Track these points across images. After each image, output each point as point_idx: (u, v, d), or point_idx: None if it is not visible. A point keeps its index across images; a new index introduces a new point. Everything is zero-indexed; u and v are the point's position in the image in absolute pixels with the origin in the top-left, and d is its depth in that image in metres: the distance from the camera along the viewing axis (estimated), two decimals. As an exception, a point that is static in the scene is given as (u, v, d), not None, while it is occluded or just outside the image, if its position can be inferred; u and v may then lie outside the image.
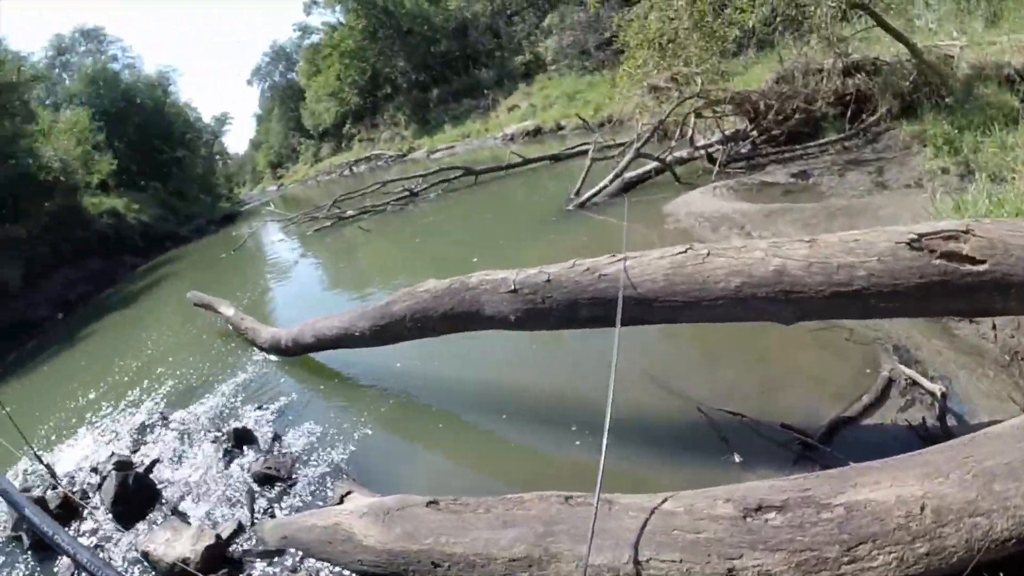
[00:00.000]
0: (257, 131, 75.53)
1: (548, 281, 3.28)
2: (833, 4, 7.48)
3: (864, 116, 8.32)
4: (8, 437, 5.92)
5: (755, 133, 9.19)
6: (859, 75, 8.39)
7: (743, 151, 9.10)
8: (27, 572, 4.22)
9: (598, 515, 2.06)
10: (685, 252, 2.82)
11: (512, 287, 3.45)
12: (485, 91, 34.10)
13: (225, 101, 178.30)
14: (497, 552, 2.33)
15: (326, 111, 49.57)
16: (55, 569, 4.12)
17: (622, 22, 10.49)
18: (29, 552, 4.37)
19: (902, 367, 3.29)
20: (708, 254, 2.74)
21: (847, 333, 3.79)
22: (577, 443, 3.54)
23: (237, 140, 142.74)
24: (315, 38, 51.19)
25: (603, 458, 1.99)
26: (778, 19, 8.31)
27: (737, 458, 2.98)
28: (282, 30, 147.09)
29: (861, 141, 8.21)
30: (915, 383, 3.15)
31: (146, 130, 35.66)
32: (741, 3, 8.34)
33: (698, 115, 9.38)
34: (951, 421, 2.85)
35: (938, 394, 2.89)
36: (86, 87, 34.80)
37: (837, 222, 5.37)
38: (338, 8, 45.22)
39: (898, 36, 7.64)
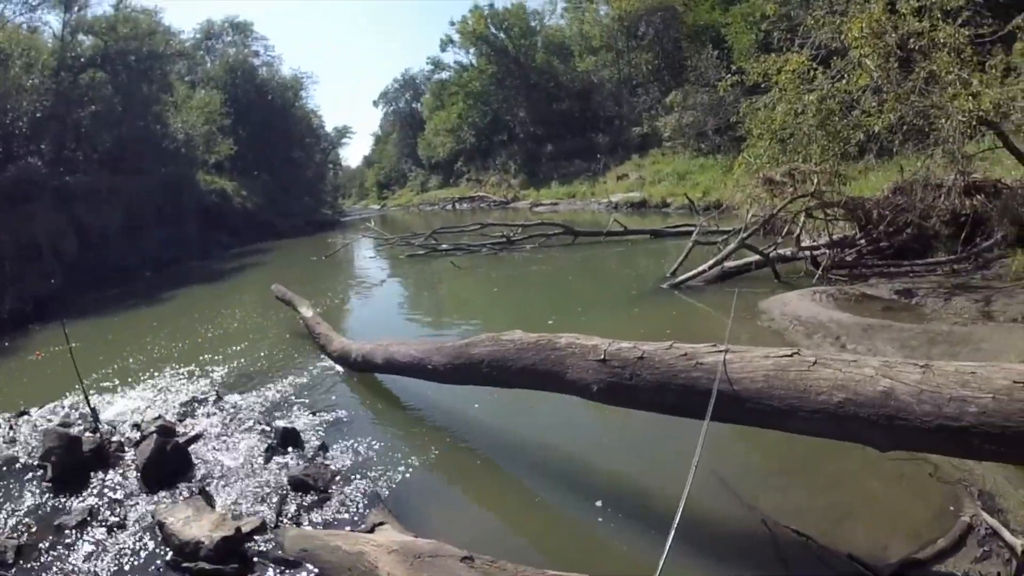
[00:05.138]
0: (373, 150, 79.11)
1: (641, 358, 3.17)
2: (964, 119, 7.25)
3: (978, 240, 8.01)
4: (67, 372, 6.06)
5: (863, 242, 8.96)
6: (979, 196, 8.08)
7: (848, 259, 8.88)
8: (42, 502, 4.26)
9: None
10: (791, 356, 2.70)
11: (602, 356, 3.35)
12: (598, 155, 34.62)
13: (348, 115, 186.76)
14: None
15: (442, 145, 51.66)
16: (69, 505, 4.16)
17: (749, 109, 10.52)
18: (50, 483, 4.41)
19: (984, 514, 3.10)
20: (815, 362, 2.61)
21: (931, 468, 3.58)
22: (600, 520, 3.53)
23: (352, 154, 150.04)
24: (445, 75, 53.72)
25: (663, 561, 2.00)
26: (904, 128, 8.13)
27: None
28: (415, 60, 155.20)
29: (971, 266, 7.90)
30: (995, 534, 2.97)
31: (270, 125, 37.32)
32: (869, 107, 8.25)
33: (808, 215, 9.24)
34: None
35: (1018, 550, 2.72)
36: (224, 73, 36.81)
37: (937, 348, 5.16)
38: (472, 51, 47.46)
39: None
